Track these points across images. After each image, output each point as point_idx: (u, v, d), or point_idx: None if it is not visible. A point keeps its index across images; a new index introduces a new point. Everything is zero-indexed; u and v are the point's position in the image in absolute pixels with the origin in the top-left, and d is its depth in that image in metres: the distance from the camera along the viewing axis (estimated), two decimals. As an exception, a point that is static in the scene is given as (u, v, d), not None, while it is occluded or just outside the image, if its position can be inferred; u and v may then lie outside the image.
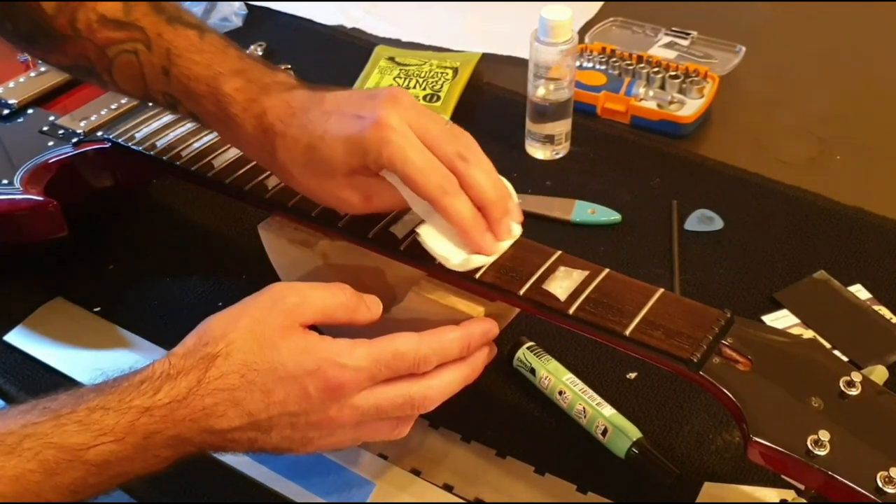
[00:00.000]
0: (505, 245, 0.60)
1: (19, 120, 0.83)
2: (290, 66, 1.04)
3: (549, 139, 0.91)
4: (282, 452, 0.56)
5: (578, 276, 0.58)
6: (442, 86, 1.00)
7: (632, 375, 0.69)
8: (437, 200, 0.58)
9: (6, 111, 0.83)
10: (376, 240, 0.63)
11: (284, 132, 0.60)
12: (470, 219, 0.58)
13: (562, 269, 0.59)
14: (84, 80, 0.75)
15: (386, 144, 0.57)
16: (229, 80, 0.62)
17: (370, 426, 0.56)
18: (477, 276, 0.59)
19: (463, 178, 0.58)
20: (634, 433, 0.62)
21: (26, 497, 0.48)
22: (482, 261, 0.59)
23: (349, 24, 1.16)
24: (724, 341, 0.53)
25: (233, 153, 0.72)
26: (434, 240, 0.59)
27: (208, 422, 0.52)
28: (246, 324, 0.54)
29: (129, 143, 0.76)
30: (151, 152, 0.75)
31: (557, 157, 0.92)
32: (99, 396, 0.51)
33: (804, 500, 0.55)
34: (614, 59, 0.99)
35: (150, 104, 0.74)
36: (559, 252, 0.60)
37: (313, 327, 0.55)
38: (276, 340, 0.53)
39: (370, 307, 0.58)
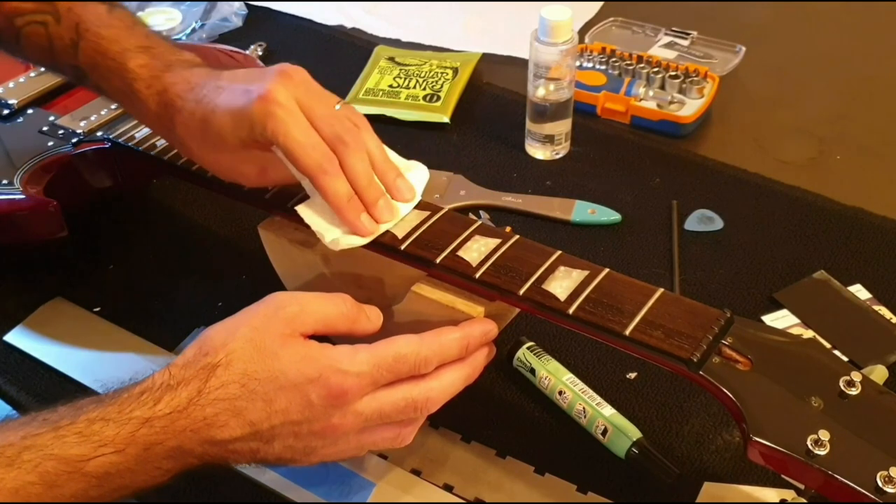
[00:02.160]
0: (384, 227, 0.61)
1: (19, 120, 0.83)
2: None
3: (549, 139, 0.91)
4: (285, 463, 0.55)
5: (578, 275, 0.58)
6: (442, 86, 1.00)
7: (632, 375, 0.69)
8: (314, 178, 0.60)
9: (6, 111, 0.83)
10: (376, 240, 0.62)
11: (182, 107, 0.62)
12: (344, 199, 0.60)
13: (562, 268, 0.59)
14: None
15: (270, 118, 0.58)
16: (135, 56, 0.64)
17: (373, 433, 0.56)
18: (477, 276, 0.59)
19: (342, 160, 0.60)
20: (634, 433, 0.62)
21: None
22: (356, 241, 0.61)
23: (349, 24, 1.16)
24: (723, 341, 0.53)
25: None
26: (312, 216, 0.61)
27: (209, 432, 0.51)
28: (246, 333, 0.53)
29: (129, 143, 0.76)
30: (151, 152, 0.75)
31: (557, 157, 0.92)
32: (99, 408, 0.51)
33: (804, 500, 0.55)
34: (614, 59, 0.99)
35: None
36: (559, 252, 0.60)
37: (313, 337, 0.55)
38: (277, 349, 0.53)
39: (370, 318, 0.58)
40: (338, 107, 0.62)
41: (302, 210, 0.62)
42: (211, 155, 0.63)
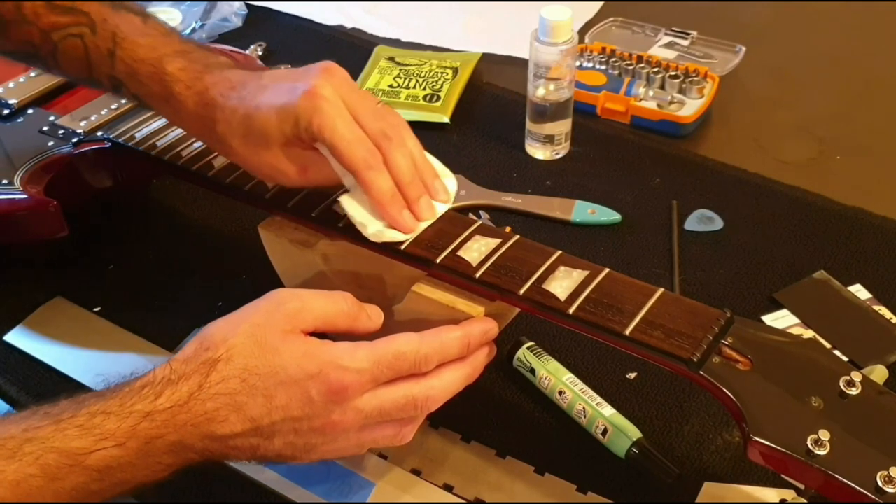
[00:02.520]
0: (424, 224, 0.62)
1: (19, 120, 0.83)
2: (290, 66, 1.04)
3: (549, 139, 0.91)
4: (285, 461, 0.55)
5: (578, 275, 0.58)
6: (442, 86, 1.00)
7: (632, 375, 0.69)
8: (359, 173, 0.60)
9: (6, 111, 0.83)
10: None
11: (224, 105, 0.63)
12: (388, 195, 0.60)
13: (562, 268, 0.59)
14: (26, 63, 0.77)
15: (317, 113, 0.59)
16: (173, 60, 0.65)
17: (373, 430, 0.56)
18: (477, 276, 0.59)
19: (385, 155, 0.60)
20: (634, 433, 0.62)
21: (28, 502, 0.48)
22: (398, 235, 0.61)
23: (349, 24, 1.16)
24: (724, 341, 0.53)
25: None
26: (354, 209, 0.62)
27: (210, 427, 0.52)
28: (247, 329, 0.54)
29: (129, 143, 0.76)
30: (151, 152, 0.75)
31: (557, 157, 0.92)
32: (100, 401, 0.51)
33: (804, 500, 0.55)
34: (614, 59, 0.99)
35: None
36: (559, 252, 0.60)
37: (314, 334, 0.55)
38: (277, 345, 0.53)
39: (371, 317, 0.58)
40: (378, 105, 0.63)
41: (345, 200, 0.62)
42: (251, 152, 0.63)
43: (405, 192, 0.61)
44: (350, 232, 0.64)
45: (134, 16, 0.67)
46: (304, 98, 0.59)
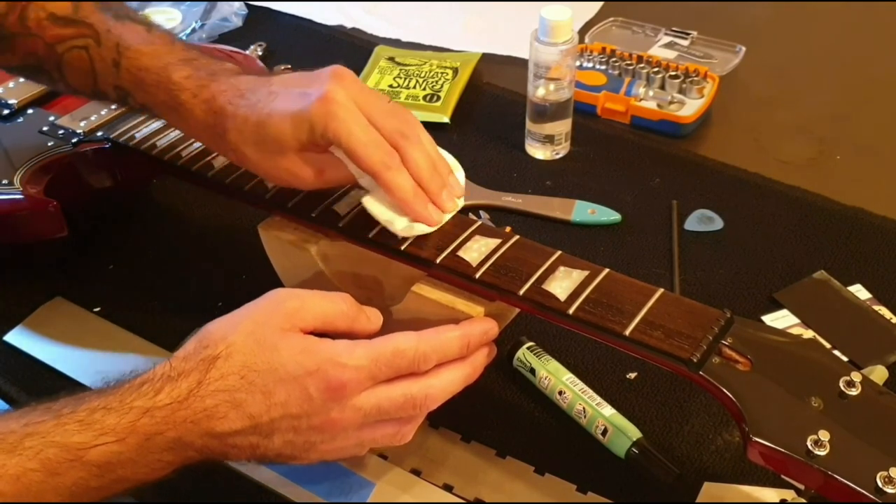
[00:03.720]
0: (447, 217, 0.62)
1: (19, 120, 0.83)
2: (289, 66, 1.04)
3: (549, 139, 0.91)
4: (285, 461, 0.55)
5: (578, 276, 0.58)
6: (442, 86, 1.00)
7: (632, 375, 0.69)
8: (379, 175, 0.60)
9: (6, 111, 0.83)
10: (376, 240, 0.63)
11: (234, 113, 0.62)
12: (411, 193, 0.61)
13: (562, 269, 0.59)
14: (31, 79, 0.77)
15: (331, 119, 0.59)
16: (178, 69, 0.65)
17: (373, 429, 0.56)
18: (477, 276, 0.59)
19: (403, 154, 0.61)
20: (634, 433, 0.62)
21: (27, 497, 0.48)
22: (426, 228, 0.61)
23: (349, 24, 1.16)
24: (723, 341, 0.53)
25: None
26: (378, 208, 0.62)
27: (209, 423, 0.52)
28: (246, 327, 0.54)
29: (129, 143, 0.76)
30: (152, 152, 0.75)
31: (557, 157, 0.92)
32: (100, 397, 0.51)
33: (804, 500, 0.55)
34: (614, 59, 0.99)
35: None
36: (559, 252, 0.60)
37: (313, 334, 0.55)
38: (277, 342, 0.53)
39: (370, 318, 0.58)
40: (389, 104, 0.63)
41: (367, 202, 0.62)
42: (266, 159, 0.63)
43: (426, 188, 0.62)
44: (350, 232, 0.64)
45: (138, 25, 0.67)
46: (318, 104, 0.59)
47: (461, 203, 0.64)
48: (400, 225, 0.61)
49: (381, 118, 0.61)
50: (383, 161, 0.60)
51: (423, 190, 0.61)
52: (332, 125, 0.59)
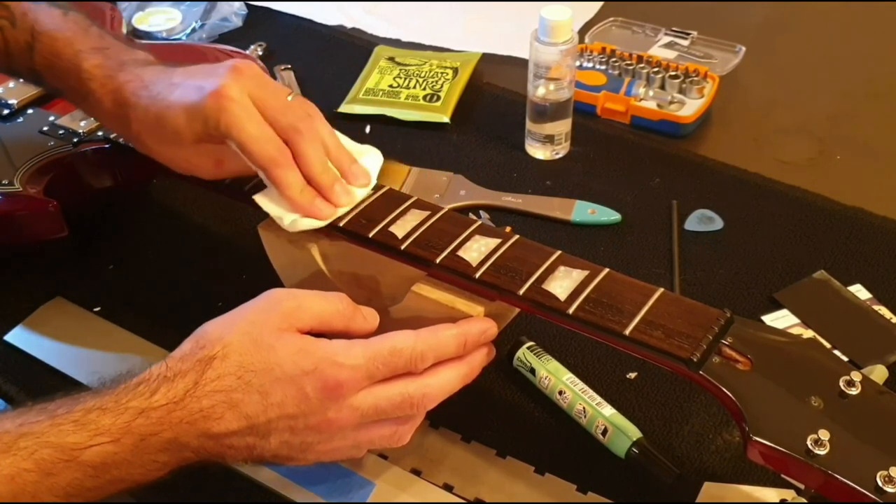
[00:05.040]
0: (341, 210, 0.64)
1: (19, 120, 0.83)
2: (289, 66, 1.04)
3: (549, 139, 0.91)
4: (282, 461, 0.55)
5: (578, 275, 0.58)
6: (442, 86, 1.00)
7: (632, 375, 0.69)
8: (268, 171, 0.62)
9: (6, 111, 0.83)
10: (376, 240, 0.63)
11: (136, 104, 0.64)
12: (297, 190, 0.62)
13: (561, 268, 0.59)
14: None
15: (223, 113, 0.60)
16: (89, 57, 0.66)
17: (370, 430, 0.56)
18: (477, 276, 0.59)
19: (295, 149, 0.62)
20: (634, 433, 0.62)
21: (22, 497, 0.48)
22: (314, 223, 0.63)
23: (349, 24, 1.16)
24: (723, 341, 0.53)
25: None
26: (269, 204, 0.63)
27: (205, 424, 0.52)
28: (243, 327, 0.54)
29: (129, 143, 0.76)
30: (151, 152, 0.75)
31: (557, 157, 0.92)
32: (96, 398, 0.51)
33: (804, 500, 0.55)
34: (614, 59, 0.99)
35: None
36: (559, 252, 0.60)
37: (310, 334, 0.55)
38: (273, 342, 0.53)
39: (367, 318, 0.58)
40: (290, 98, 0.64)
41: (259, 199, 0.64)
42: (167, 150, 0.65)
43: (317, 183, 0.63)
44: (350, 232, 0.64)
45: (54, 10, 0.68)
46: (211, 98, 0.61)
47: (363, 192, 0.65)
48: (288, 220, 0.63)
49: (276, 113, 0.62)
50: (272, 157, 0.61)
51: (314, 184, 0.63)
52: (224, 119, 0.60)
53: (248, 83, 0.62)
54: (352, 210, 0.64)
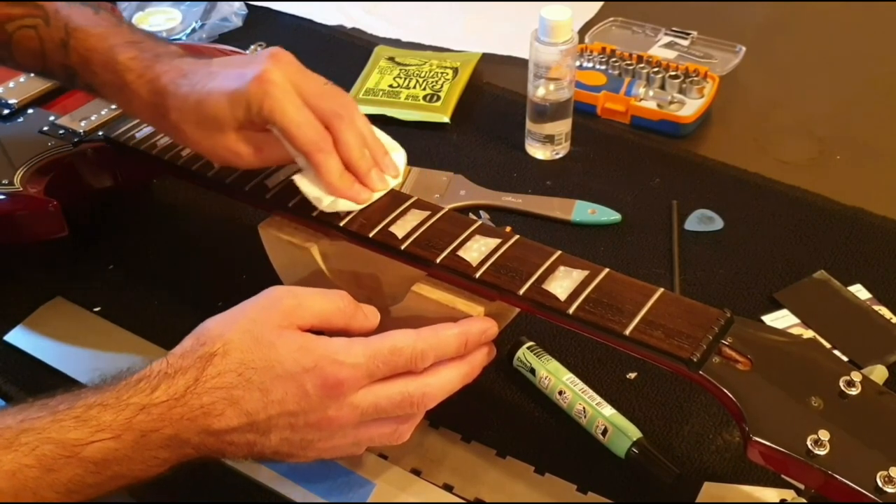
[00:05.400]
0: (376, 195, 0.65)
1: (19, 120, 0.83)
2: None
3: (549, 139, 0.91)
4: (282, 458, 0.55)
5: (578, 275, 0.58)
6: (442, 86, 1.00)
7: (632, 375, 0.69)
8: (310, 155, 0.62)
9: (6, 111, 0.83)
10: (376, 240, 0.63)
11: (176, 92, 0.64)
12: (336, 174, 0.63)
13: (562, 268, 0.59)
14: None
15: (267, 98, 0.61)
16: (124, 50, 0.66)
17: (370, 428, 0.56)
18: (477, 275, 0.59)
19: (336, 135, 0.63)
20: (634, 433, 0.62)
21: (23, 493, 0.48)
22: (352, 205, 0.64)
23: (349, 24, 1.16)
24: (723, 341, 0.53)
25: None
26: (308, 186, 0.64)
27: (206, 421, 0.52)
28: (243, 324, 0.54)
29: (129, 143, 0.76)
30: (151, 152, 0.75)
31: (557, 157, 0.92)
32: (97, 394, 0.51)
33: (804, 500, 0.55)
34: (614, 59, 0.99)
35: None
36: (559, 252, 0.60)
37: (310, 332, 0.55)
38: (274, 339, 0.53)
39: (367, 316, 0.58)
40: (326, 86, 0.65)
41: (298, 179, 0.64)
42: (207, 138, 0.65)
43: (355, 168, 0.64)
44: (350, 232, 0.64)
45: (85, 7, 0.69)
46: (254, 83, 0.61)
47: (394, 182, 0.66)
48: (326, 202, 0.64)
49: (316, 99, 0.63)
50: (314, 141, 0.62)
51: (352, 169, 0.64)
52: (268, 104, 0.61)
53: (289, 69, 0.62)
54: (351, 210, 0.64)
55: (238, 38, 1.11)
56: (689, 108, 0.95)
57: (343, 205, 0.64)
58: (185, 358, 0.53)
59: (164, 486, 0.53)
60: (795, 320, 0.73)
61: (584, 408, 0.64)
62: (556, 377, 0.66)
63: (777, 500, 0.59)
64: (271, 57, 0.62)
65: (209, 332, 0.54)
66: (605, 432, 0.63)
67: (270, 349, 0.53)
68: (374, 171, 0.65)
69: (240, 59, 0.66)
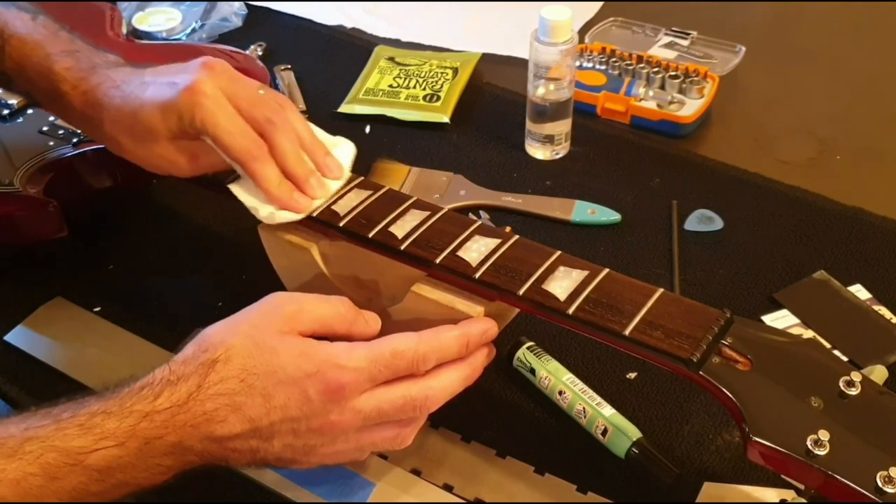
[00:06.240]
0: (317, 202, 0.64)
1: (19, 120, 0.83)
2: (289, 66, 1.04)
3: (549, 139, 0.91)
4: (285, 464, 0.55)
5: (578, 275, 0.58)
6: (442, 86, 1.00)
7: (632, 375, 0.69)
8: (244, 165, 0.62)
9: (6, 111, 0.83)
10: (376, 240, 0.63)
11: (109, 104, 0.64)
12: (274, 183, 0.62)
13: (561, 268, 0.59)
14: None
15: (197, 108, 0.61)
16: (60, 59, 0.66)
17: (372, 433, 0.56)
18: (477, 276, 0.59)
19: (270, 142, 0.62)
20: (634, 433, 0.62)
21: (28, 502, 0.48)
22: (290, 216, 0.63)
23: (349, 24, 1.16)
24: (723, 341, 0.53)
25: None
26: (245, 195, 0.64)
27: (209, 427, 0.52)
28: (245, 330, 0.54)
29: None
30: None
31: (557, 157, 0.92)
32: (100, 402, 0.51)
33: (804, 500, 0.55)
34: (614, 59, 0.99)
35: None
36: (559, 252, 0.60)
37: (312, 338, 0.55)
38: (276, 345, 0.53)
39: (368, 321, 0.58)
40: (261, 91, 0.64)
41: (235, 188, 0.64)
42: (142, 149, 0.65)
43: (292, 175, 0.63)
44: (350, 232, 0.64)
45: (24, 13, 0.69)
46: (185, 93, 0.61)
47: (337, 184, 0.65)
48: (264, 212, 0.63)
49: (249, 107, 0.62)
50: (248, 150, 0.62)
51: (290, 177, 0.63)
52: (199, 115, 0.61)
53: (220, 78, 0.62)
54: (351, 210, 0.64)
55: (238, 38, 1.11)
56: (689, 108, 0.95)
57: (282, 216, 0.63)
58: (187, 364, 0.53)
59: (167, 489, 0.53)
60: (795, 320, 0.73)
61: (583, 408, 0.64)
62: (555, 377, 0.66)
63: (777, 501, 0.59)
64: (203, 66, 0.62)
65: (210, 338, 0.54)
66: (605, 432, 0.63)
67: (272, 355, 0.53)
68: (314, 178, 0.64)
69: (173, 67, 0.65)
